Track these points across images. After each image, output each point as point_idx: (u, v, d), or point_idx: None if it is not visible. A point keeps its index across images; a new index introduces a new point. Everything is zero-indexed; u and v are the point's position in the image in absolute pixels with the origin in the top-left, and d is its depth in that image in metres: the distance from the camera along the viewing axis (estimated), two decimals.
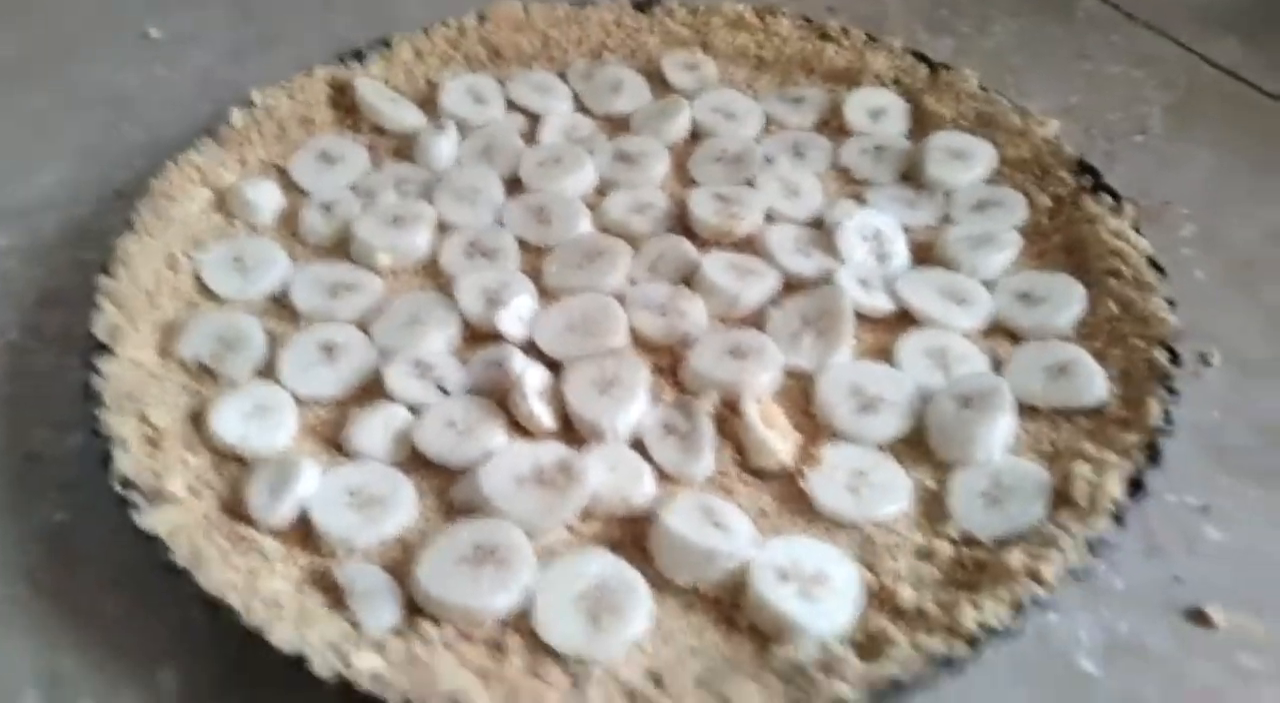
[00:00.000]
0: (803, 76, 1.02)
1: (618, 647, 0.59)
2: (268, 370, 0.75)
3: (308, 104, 0.94)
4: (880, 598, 0.61)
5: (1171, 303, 0.75)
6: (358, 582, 0.62)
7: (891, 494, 0.67)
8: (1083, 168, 0.86)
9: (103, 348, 0.72)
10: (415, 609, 0.61)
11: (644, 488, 0.67)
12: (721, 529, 0.63)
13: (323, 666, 0.55)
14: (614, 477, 0.67)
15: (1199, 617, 0.64)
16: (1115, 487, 0.63)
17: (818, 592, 0.60)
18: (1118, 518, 0.62)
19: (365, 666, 0.55)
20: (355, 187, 0.89)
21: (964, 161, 0.89)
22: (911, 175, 0.90)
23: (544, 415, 0.70)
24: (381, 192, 0.89)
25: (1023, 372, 0.73)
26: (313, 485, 0.66)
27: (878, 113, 0.96)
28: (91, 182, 0.94)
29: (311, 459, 0.68)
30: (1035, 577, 0.59)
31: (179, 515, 0.63)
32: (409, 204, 0.86)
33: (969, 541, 0.64)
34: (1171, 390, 0.69)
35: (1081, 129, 1.00)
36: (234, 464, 0.70)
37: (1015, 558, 0.60)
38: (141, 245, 0.79)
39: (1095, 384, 0.71)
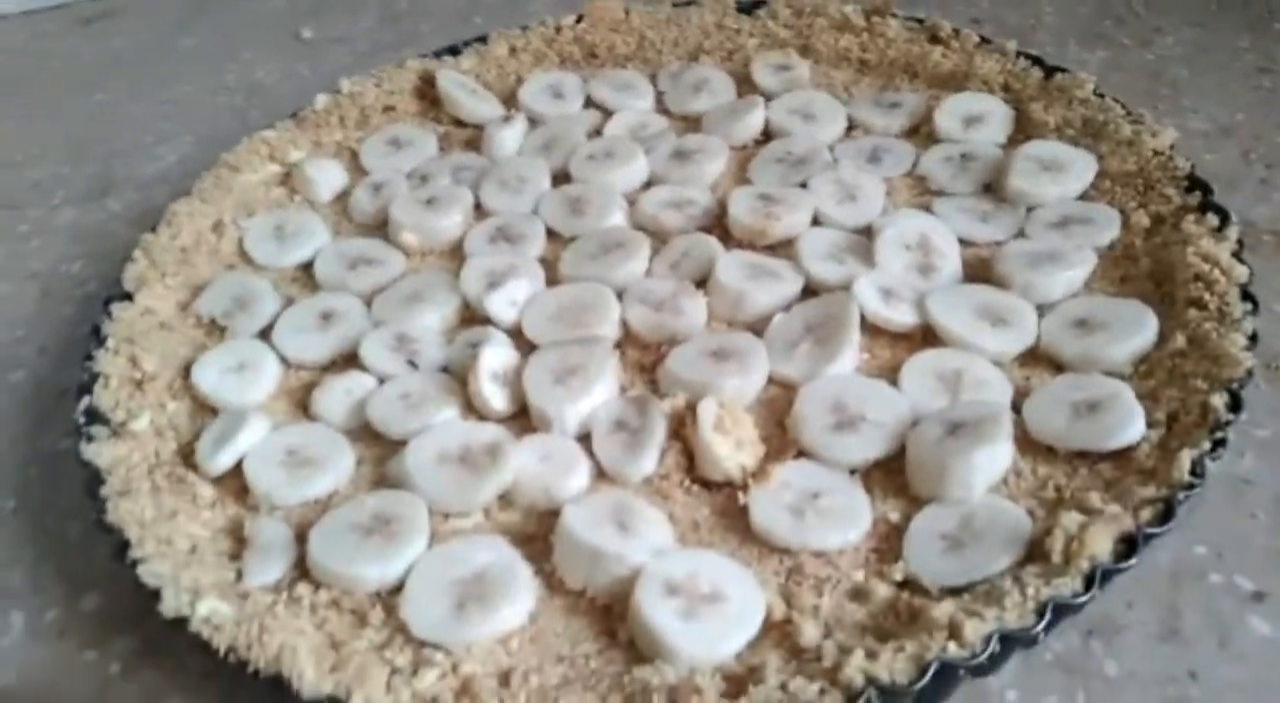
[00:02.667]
0: (905, 81, 0.93)
1: (477, 639, 0.54)
2: (271, 331, 0.76)
3: (391, 93, 0.97)
4: (781, 631, 0.53)
5: (1254, 340, 0.60)
6: (260, 536, 0.61)
7: (842, 524, 0.58)
8: (1193, 184, 0.72)
9: (125, 296, 0.76)
10: (306, 573, 0.59)
11: (572, 482, 0.62)
12: (624, 531, 0.57)
13: (170, 603, 0.54)
14: (543, 467, 0.62)
15: None
16: (1100, 542, 0.51)
17: (705, 612, 0.52)
18: (1089, 580, 0.50)
19: (205, 611, 0.54)
20: (413, 171, 0.91)
21: (1054, 174, 0.77)
22: (995, 187, 0.80)
23: (494, 397, 0.67)
24: (436, 176, 0.89)
25: (1045, 405, 0.61)
26: (254, 439, 0.66)
27: (973, 119, 0.85)
28: (209, 161, 1.01)
29: (263, 415, 0.68)
30: (955, 634, 0.48)
31: (126, 450, 0.65)
32: (449, 188, 0.86)
33: (913, 586, 0.54)
34: (1219, 443, 0.55)
35: (1239, 151, 0.85)
36: (211, 415, 0.71)
37: (943, 609, 0.50)
38: (191, 208, 0.84)
39: (1128, 426, 0.58)
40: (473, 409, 0.68)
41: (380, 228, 0.86)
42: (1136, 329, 0.64)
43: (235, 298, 0.78)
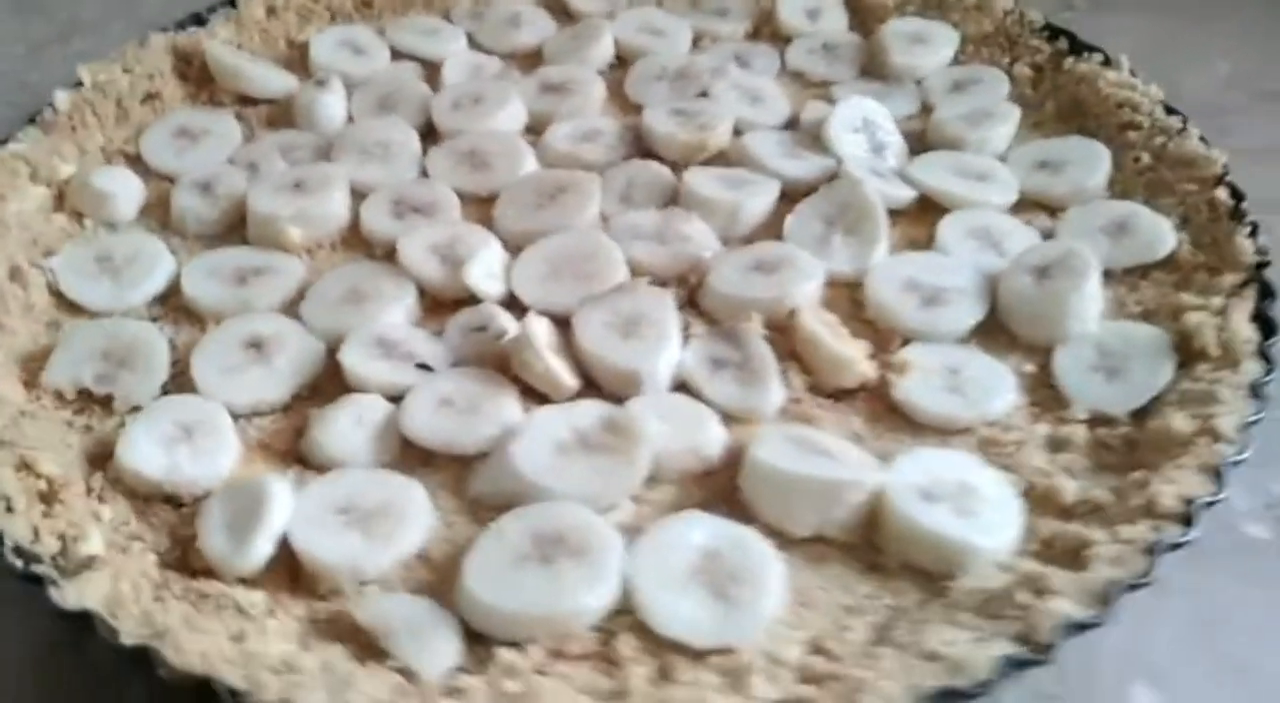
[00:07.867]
0: None
1: (758, 624, 0.45)
2: (179, 384, 0.57)
3: (149, 78, 0.76)
4: (1034, 498, 0.51)
5: (1205, 141, 0.68)
6: (393, 618, 0.46)
7: (998, 387, 0.57)
8: (1055, 32, 0.79)
9: None
10: (477, 638, 0.46)
11: (712, 434, 0.54)
12: (831, 457, 0.51)
13: None
14: (672, 428, 0.54)
15: None
16: (1243, 323, 0.55)
17: (972, 505, 0.49)
18: (1265, 357, 0.54)
19: None
20: (233, 161, 0.72)
21: (926, 45, 0.81)
22: (872, 69, 0.81)
23: (563, 372, 0.56)
24: (266, 162, 0.72)
25: (1081, 236, 0.64)
26: (287, 511, 0.49)
27: (814, 12, 0.86)
28: None
29: (275, 479, 0.51)
30: (1215, 436, 0.49)
31: (109, 582, 0.45)
32: (309, 168, 0.70)
33: (1101, 420, 0.55)
34: (1254, 226, 0.61)
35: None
36: (164, 507, 0.52)
37: (1180, 422, 0.51)
38: None
39: (1163, 234, 0.63)
40: (529, 395, 0.56)
41: (227, 234, 0.68)
42: (1094, 158, 0.70)
43: (106, 355, 0.57)
